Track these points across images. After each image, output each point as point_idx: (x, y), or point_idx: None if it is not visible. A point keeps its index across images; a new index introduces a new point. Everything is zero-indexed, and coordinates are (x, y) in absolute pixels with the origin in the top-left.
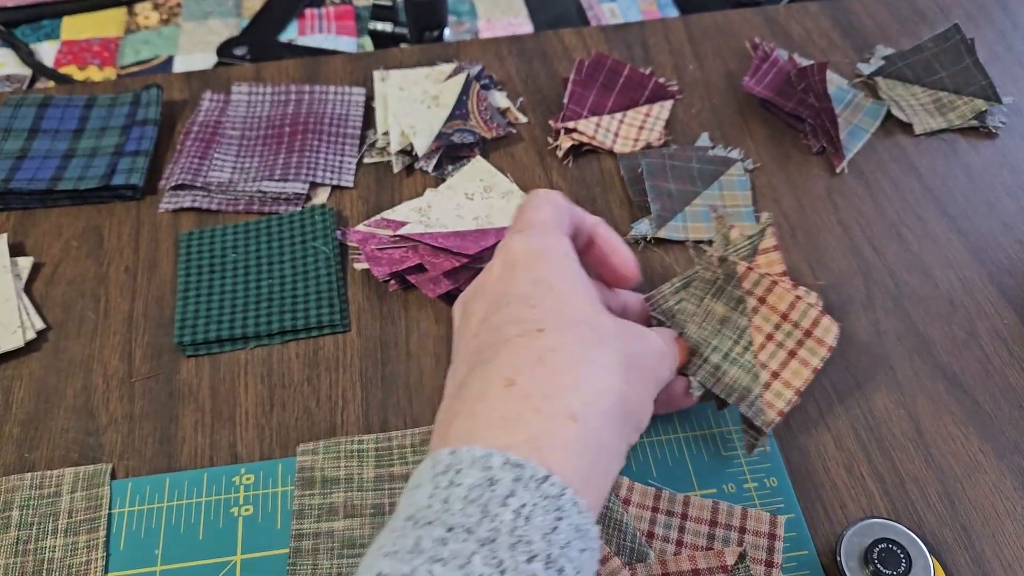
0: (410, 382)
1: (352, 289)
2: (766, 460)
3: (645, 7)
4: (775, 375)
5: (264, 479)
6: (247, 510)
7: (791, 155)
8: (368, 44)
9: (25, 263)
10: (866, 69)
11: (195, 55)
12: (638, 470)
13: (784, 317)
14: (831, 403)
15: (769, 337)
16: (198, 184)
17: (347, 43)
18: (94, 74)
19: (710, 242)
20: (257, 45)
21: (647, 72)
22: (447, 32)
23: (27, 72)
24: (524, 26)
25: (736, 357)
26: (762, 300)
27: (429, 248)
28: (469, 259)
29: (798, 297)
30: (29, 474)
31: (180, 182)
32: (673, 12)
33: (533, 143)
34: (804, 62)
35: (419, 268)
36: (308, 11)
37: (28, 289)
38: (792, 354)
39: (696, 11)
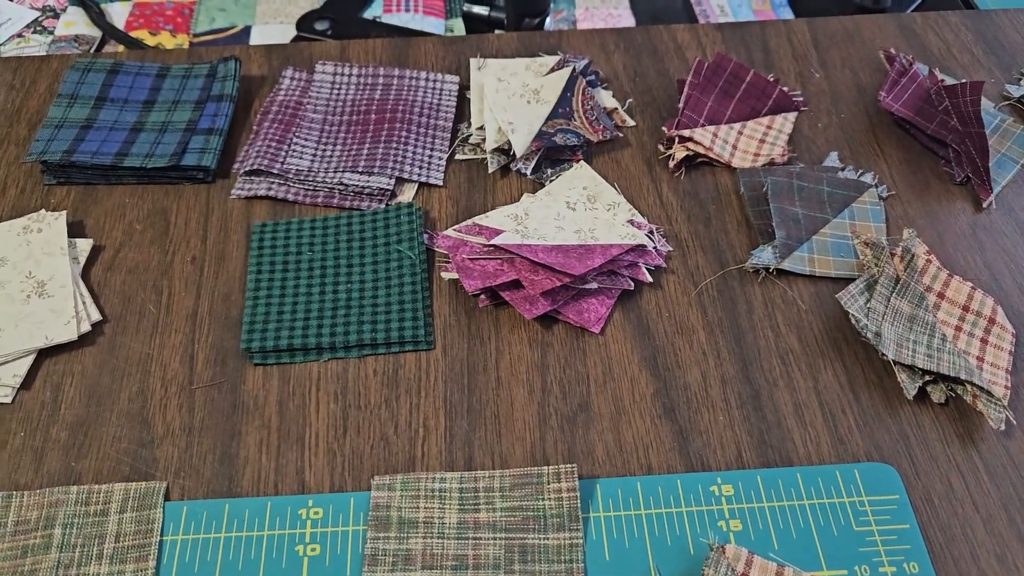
0: (499, 413)
1: (437, 301)
2: (905, 541)
3: (757, 6)
4: (980, 360)
5: (334, 514)
6: (313, 549)
7: (930, 183)
8: (457, 27)
9: (84, 245)
10: (1016, 91)
11: (272, 27)
12: (757, 540)
13: (965, 309)
14: (979, 477)
15: (958, 329)
16: (275, 171)
17: (434, 24)
18: (166, 40)
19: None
20: (339, 20)
21: (772, 80)
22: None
23: (96, 34)
24: (625, 17)
25: (939, 347)
26: (941, 295)
27: (527, 263)
28: (571, 279)
29: (972, 288)
30: (75, 487)
31: (255, 167)
32: (787, 12)
33: (641, 150)
34: (948, 80)
35: (514, 284)
36: None
37: (85, 274)
38: (984, 341)
39: (812, 13)
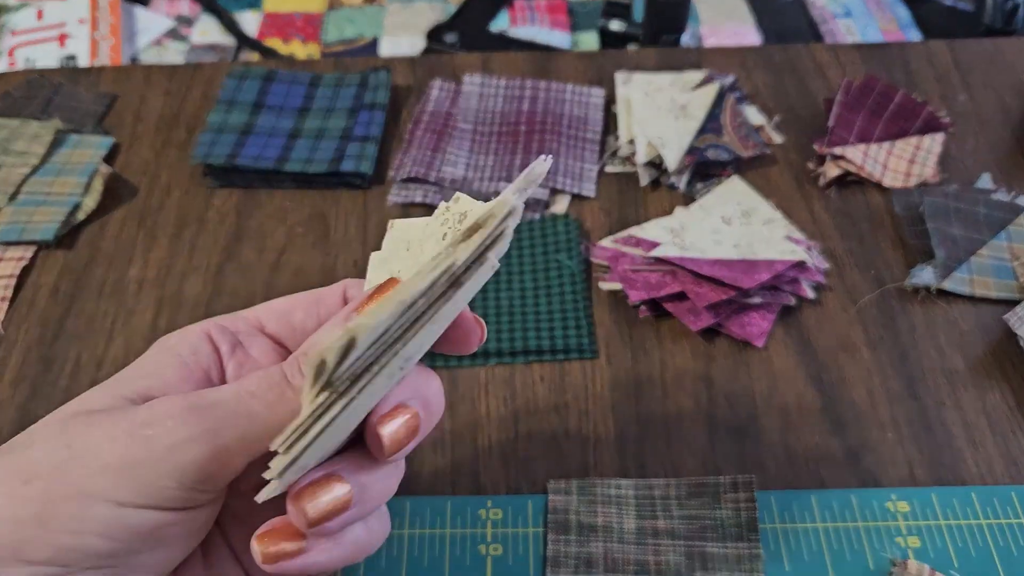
0: (668, 423)
1: (597, 311)
2: None
3: (884, 26)
4: None
5: (513, 516)
6: (496, 549)
7: None
8: (583, 41)
9: None
10: None
11: (401, 38)
12: (936, 557)
13: None
14: None
15: None
16: (431, 179)
17: (560, 38)
18: (297, 49)
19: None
20: (467, 33)
21: (920, 100)
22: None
23: (231, 42)
24: (750, 34)
25: None
26: None
27: (691, 275)
28: (735, 292)
29: None
30: None
31: (412, 175)
32: (914, 32)
33: (789, 167)
34: None
35: (677, 295)
36: (517, 2)
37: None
38: None
39: (938, 34)
